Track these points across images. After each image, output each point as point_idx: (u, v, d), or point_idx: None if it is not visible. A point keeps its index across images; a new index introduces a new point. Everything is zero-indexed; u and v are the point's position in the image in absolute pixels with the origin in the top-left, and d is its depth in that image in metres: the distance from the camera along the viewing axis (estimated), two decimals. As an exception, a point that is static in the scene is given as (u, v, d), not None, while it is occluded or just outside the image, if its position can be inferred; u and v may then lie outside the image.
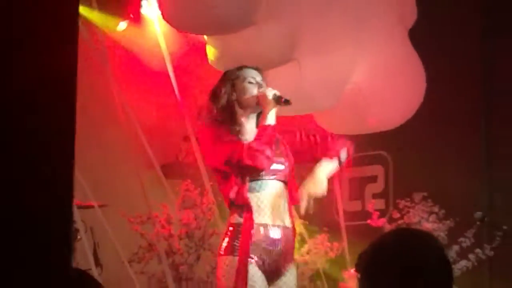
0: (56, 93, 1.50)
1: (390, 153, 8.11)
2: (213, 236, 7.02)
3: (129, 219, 7.04)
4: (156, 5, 6.77)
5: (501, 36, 7.41)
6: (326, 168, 4.56)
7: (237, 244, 4.22)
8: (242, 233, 4.21)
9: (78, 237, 6.73)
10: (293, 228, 4.41)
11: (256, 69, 4.54)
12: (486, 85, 7.54)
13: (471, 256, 6.75)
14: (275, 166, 4.34)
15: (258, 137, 4.26)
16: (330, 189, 7.90)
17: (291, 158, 4.43)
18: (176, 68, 7.51)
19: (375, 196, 8.07)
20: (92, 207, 6.82)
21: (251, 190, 4.28)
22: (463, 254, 6.74)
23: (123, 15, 7.83)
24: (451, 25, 7.45)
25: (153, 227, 7.04)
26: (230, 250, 4.23)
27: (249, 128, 4.36)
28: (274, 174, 4.34)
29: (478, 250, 6.77)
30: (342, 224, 7.68)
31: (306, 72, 5.84)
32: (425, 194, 7.00)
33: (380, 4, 6.19)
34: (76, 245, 6.74)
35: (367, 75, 6.16)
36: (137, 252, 7.07)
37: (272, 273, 4.29)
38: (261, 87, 4.37)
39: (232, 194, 4.27)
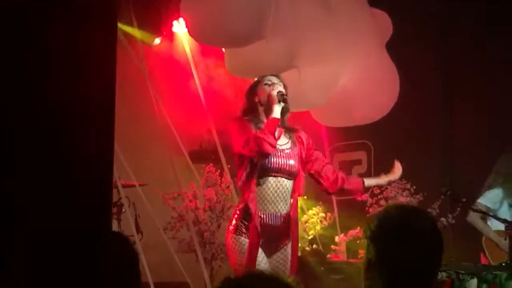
0: (98, 98, 1.51)
1: (372, 141, 8.14)
2: (230, 209, 7.06)
3: (163, 195, 7.13)
4: (184, 24, 6.79)
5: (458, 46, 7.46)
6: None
7: (241, 224, 4.21)
8: (251, 220, 4.21)
9: (123, 210, 6.79)
10: (291, 214, 4.35)
11: (275, 75, 4.68)
12: (445, 87, 7.58)
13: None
14: (286, 162, 4.32)
15: (263, 128, 4.26)
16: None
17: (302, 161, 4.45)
18: (200, 73, 7.55)
19: (360, 175, 8.07)
20: (134, 186, 6.88)
21: (257, 183, 4.26)
22: (430, 222, 6.73)
23: (158, 33, 7.87)
24: (416, 38, 7.46)
25: (182, 202, 7.11)
26: (236, 229, 4.23)
27: None
28: (282, 172, 4.32)
29: (442, 219, 6.81)
30: (334, 198, 7.70)
31: (304, 77, 5.84)
32: (399, 173, 7.00)
33: (362, 22, 6.18)
34: (121, 217, 6.78)
35: (353, 79, 6.17)
36: (170, 222, 7.17)
37: (270, 248, 4.29)
38: (275, 86, 4.37)
39: (239, 183, 4.27)
